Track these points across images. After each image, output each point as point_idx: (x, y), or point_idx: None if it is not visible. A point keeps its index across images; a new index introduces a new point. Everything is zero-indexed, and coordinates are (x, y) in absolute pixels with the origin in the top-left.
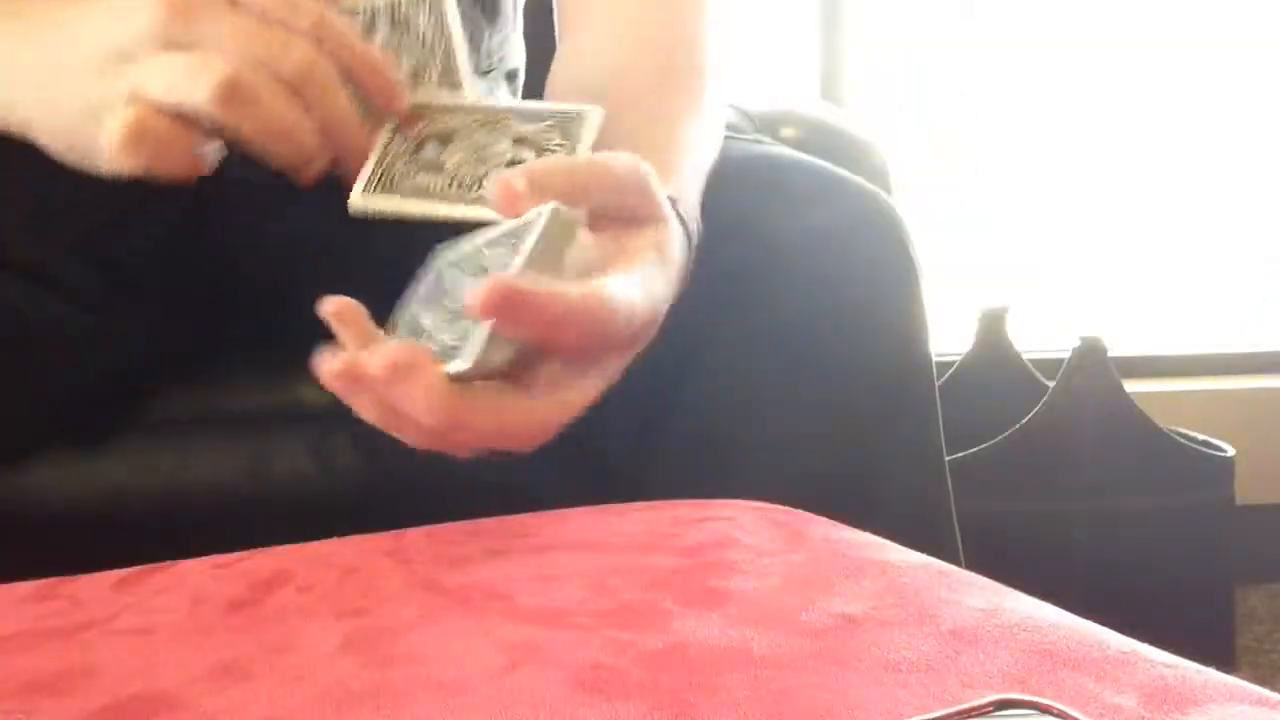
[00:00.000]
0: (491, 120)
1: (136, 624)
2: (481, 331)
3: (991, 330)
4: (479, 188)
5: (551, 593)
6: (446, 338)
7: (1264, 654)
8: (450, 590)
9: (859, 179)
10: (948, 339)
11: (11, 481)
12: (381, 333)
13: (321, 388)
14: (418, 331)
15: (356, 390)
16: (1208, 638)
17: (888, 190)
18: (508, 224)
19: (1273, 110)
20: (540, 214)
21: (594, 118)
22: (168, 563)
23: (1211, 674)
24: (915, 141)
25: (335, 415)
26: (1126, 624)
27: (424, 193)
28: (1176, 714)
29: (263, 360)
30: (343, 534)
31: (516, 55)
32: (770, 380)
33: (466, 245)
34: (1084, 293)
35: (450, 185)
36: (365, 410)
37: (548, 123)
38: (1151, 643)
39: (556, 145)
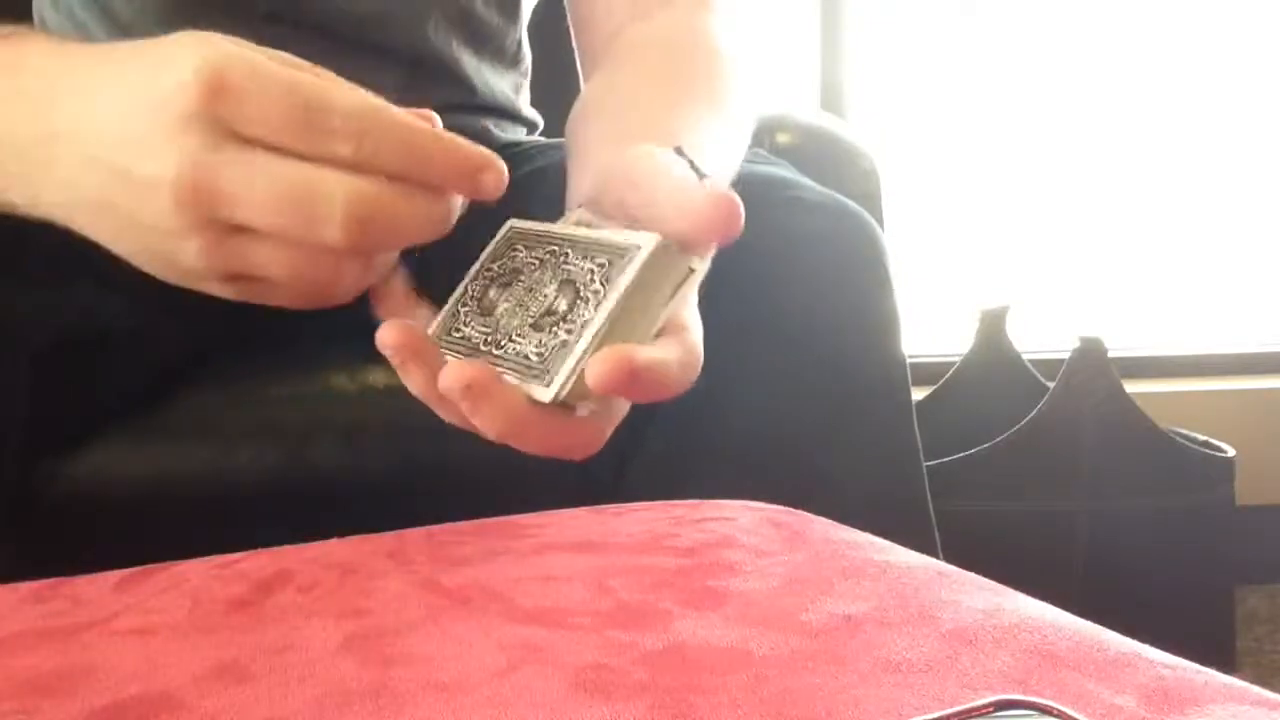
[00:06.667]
0: (553, 256)
1: (136, 624)
2: (570, 364)
3: (991, 330)
4: (509, 346)
5: (551, 593)
6: (527, 347)
7: (1264, 655)
8: (450, 590)
9: (837, 195)
10: (948, 339)
11: (54, 470)
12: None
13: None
14: (488, 310)
15: (410, 367)
16: (1208, 638)
17: (876, 191)
18: (604, 233)
19: (1273, 110)
20: (643, 246)
21: (642, 253)
22: (168, 563)
23: (1211, 675)
24: (916, 143)
25: (317, 420)
26: (1126, 624)
27: (467, 346)
28: (1176, 715)
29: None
30: (343, 534)
31: (527, 55)
32: (741, 383)
33: (546, 232)
34: (1084, 293)
35: (486, 343)
36: (415, 385)
37: (599, 260)
38: (1151, 643)
39: (593, 291)
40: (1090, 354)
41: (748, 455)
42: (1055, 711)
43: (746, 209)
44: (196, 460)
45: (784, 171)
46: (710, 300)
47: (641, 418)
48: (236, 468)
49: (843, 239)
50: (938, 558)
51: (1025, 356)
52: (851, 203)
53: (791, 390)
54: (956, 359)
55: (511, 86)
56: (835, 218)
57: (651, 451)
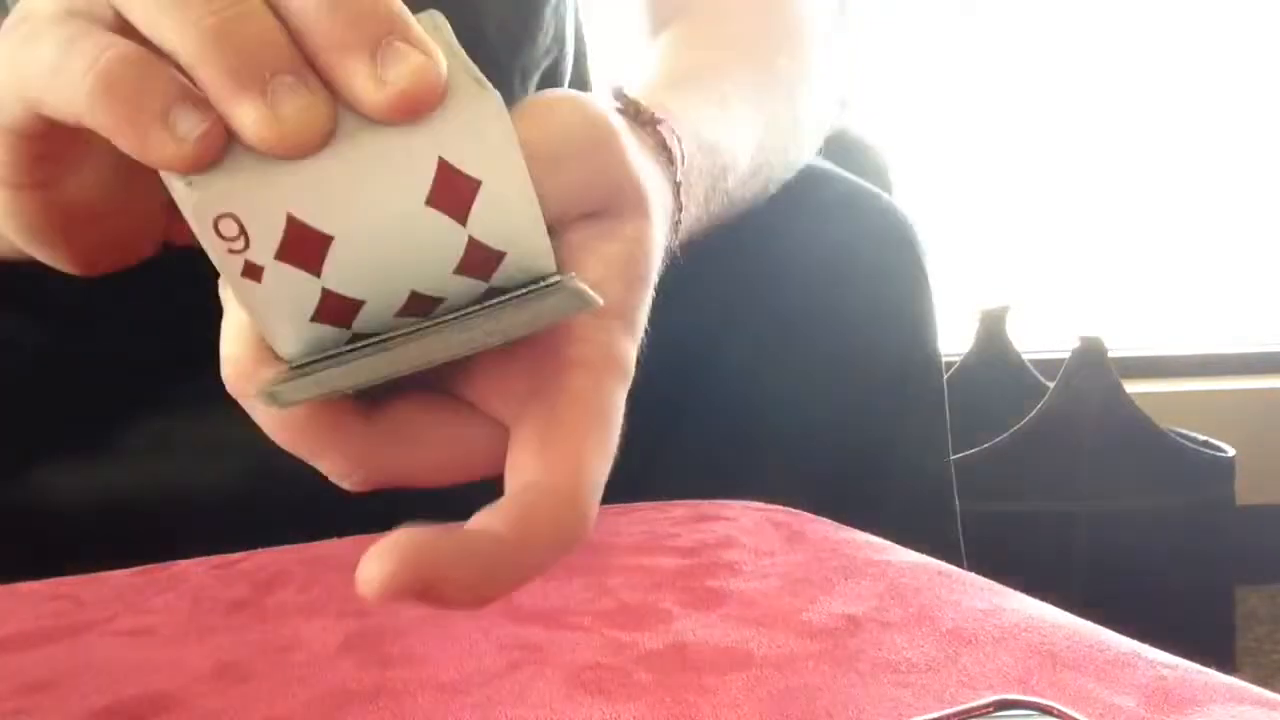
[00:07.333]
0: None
1: (137, 624)
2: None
3: (991, 330)
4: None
5: (551, 593)
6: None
7: (1264, 655)
8: None
9: (877, 190)
10: (948, 339)
11: (16, 481)
12: None
13: None
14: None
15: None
16: (1208, 638)
17: (888, 187)
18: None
19: (1272, 110)
20: (548, 280)
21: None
22: (168, 563)
23: (1212, 674)
24: (916, 143)
25: None
26: (1126, 624)
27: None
28: (1176, 715)
29: None
30: (342, 534)
31: (561, 42)
32: (781, 380)
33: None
34: (1084, 293)
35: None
36: None
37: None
38: (1151, 643)
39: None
40: (1090, 354)
41: (781, 450)
42: (1055, 711)
43: (793, 207)
44: (153, 474)
45: (825, 164)
46: (754, 297)
47: (673, 413)
48: (216, 479)
49: (885, 238)
50: (960, 551)
51: (1025, 356)
52: (891, 199)
53: (831, 388)
54: (956, 359)
55: (533, 88)
56: (879, 216)
57: (685, 446)
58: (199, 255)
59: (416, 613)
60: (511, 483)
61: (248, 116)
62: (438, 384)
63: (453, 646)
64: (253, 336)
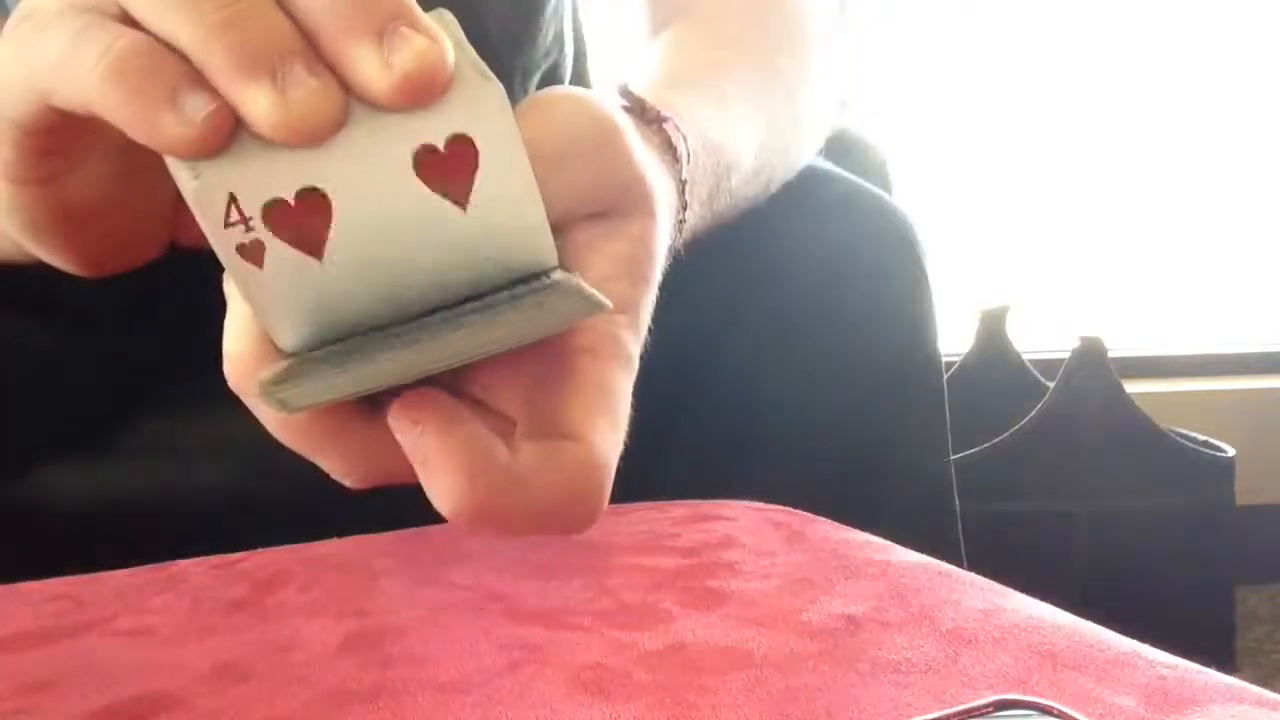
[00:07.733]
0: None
1: (137, 624)
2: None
3: (991, 330)
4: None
5: (551, 593)
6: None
7: (1264, 655)
8: (450, 590)
9: (877, 190)
10: (948, 339)
11: (16, 481)
12: None
13: None
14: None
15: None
16: (1208, 638)
17: (888, 187)
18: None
19: (1272, 110)
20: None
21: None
22: (168, 563)
23: (1211, 674)
24: (915, 143)
25: None
26: (1126, 624)
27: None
28: (1176, 715)
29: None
30: (342, 534)
31: (562, 43)
32: (781, 380)
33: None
34: (1084, 293)
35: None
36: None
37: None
38: (1151, 643)
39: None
40: (1090, 354)
41: (781, 450)
42: (1055, 711)
43: (793, 207)
44: (152, 475)
45: (825, 164)
46: (754, 297)
47: (673, 413)
48: (216, 479)
49: (885, 238)
50: (960, 551)
51: (1025, 356)
52: (891, 199)
53: (831, 388)
54: (956, 359)
55: (534, 88)
56: (879, 216)
57: (685, 445)
58: (201, 256)
59: (416, 613)
60: None
61: (256, 103)
62: (439, 379)
63: (453, 646)
64: (256, 334)
